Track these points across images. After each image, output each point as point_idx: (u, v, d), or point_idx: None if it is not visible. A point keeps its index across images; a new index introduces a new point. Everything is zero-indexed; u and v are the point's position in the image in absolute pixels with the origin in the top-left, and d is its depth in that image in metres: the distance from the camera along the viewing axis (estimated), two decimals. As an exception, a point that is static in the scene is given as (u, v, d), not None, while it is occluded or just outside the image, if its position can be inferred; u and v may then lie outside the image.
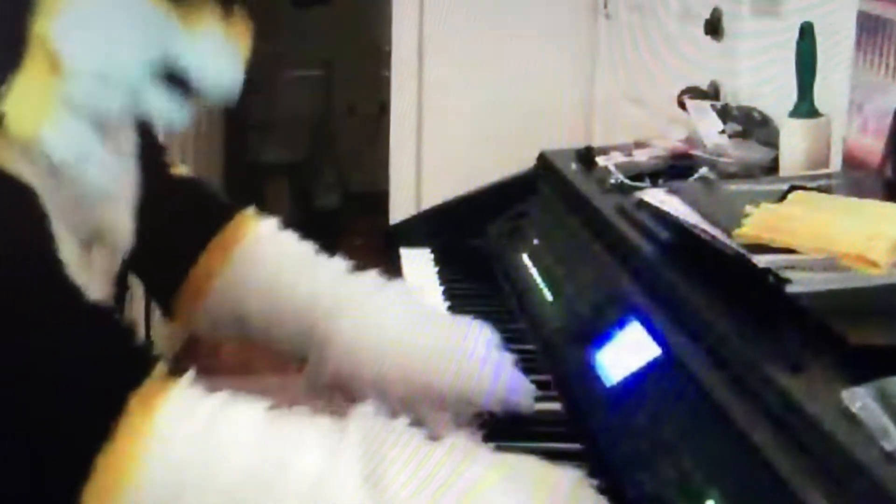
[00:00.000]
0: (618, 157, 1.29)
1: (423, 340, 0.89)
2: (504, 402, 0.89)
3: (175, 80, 0.75)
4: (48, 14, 0.69)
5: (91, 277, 0.76)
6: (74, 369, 0.69)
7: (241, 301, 0.93)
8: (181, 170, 0.98)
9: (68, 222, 0.73)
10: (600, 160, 1.30)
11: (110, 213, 0.79)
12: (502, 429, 0.90)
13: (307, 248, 0.96)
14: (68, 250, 0.72)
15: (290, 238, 0.96)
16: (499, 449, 0.78)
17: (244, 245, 0.94)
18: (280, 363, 1.04)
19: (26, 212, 0.70)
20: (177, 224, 0.91)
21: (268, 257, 0.94)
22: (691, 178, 1.20)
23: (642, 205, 1.04)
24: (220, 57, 0.75)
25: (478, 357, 0.89)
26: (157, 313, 1.07)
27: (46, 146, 0.70)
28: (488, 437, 0.90)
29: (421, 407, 0.88)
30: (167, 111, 0.75)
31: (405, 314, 0.91)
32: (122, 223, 0.81)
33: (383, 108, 2.83)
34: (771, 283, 0.78)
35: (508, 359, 0.91)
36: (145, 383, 0.69)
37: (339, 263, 0.95)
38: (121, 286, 0.86)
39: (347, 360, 0.90)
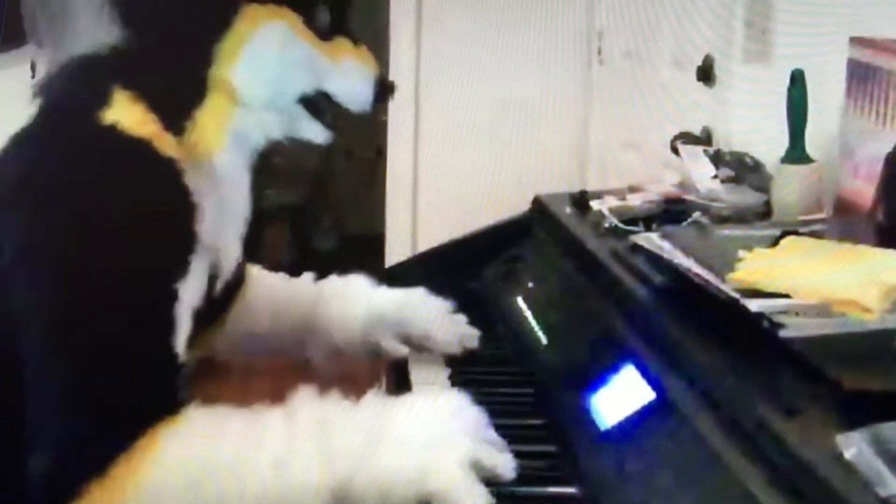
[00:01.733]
0: (612, 202, 1.30)
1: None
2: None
3: (318, 103, 0.96)
4: (228, 62, 0.89)
5: (189, 292, 0.89)
6: (129, 383, 0.83)
7: (251, 320, 1.13)
8: None
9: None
10: (594, 204, 1.30)
11: (224, 234, 0.95)
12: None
13: (285, 277, 1.21)
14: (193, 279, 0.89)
15: (271, 273, 1.20)
16: (494, 494, 0.81)
17: (248, 283, 1.15)
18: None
19: (183, 236, 0.88)
20: None
21: (266, 283, 1.18)
22: (685, 223, 1.20)
23: (636, 249, 1.04)
24: (359, 79, 0.97)
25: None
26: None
27: (219, 166, 0.91)
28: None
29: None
30: (315, 132, 0.96)
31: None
32: (233, 246, 0.98)
33: (380, 153, 2.85)
34: (765, 327, 0.78)
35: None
36: (169, 420, 0.83)
37: (311, 277, 1.20)
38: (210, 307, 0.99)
39: (339, 326, 1.15)
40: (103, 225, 0.84)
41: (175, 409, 0.84)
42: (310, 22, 0.93)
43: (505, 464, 0.86)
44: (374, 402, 0.89)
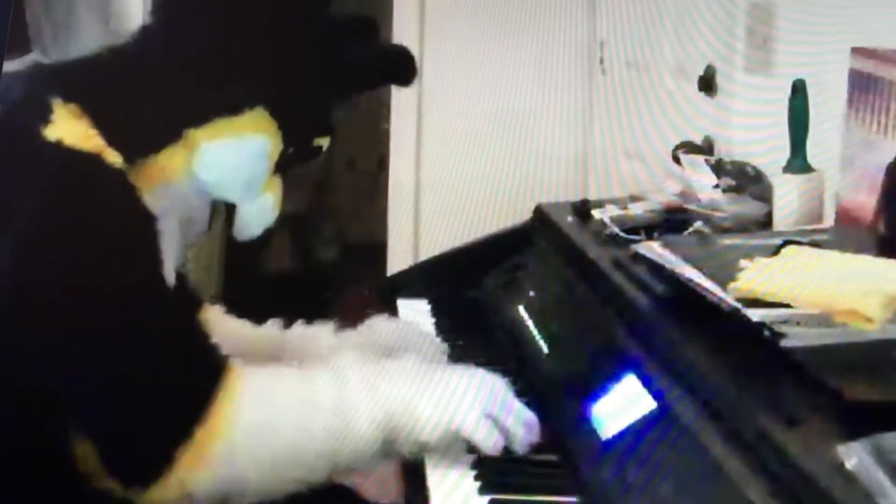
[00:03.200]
0: (613, 211, 1.30)
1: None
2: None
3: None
4: (203, 132, 0.93)
5: None
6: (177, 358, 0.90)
7: None
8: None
9: None
10: (596, 213, 1.30)
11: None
12: (498, 481, 0.90)
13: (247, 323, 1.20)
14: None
15: (235, 319, 1.20)
16: (495, 501, 0.83)
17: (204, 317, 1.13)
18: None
19: (149, 235, 0.92)
20: None
21: (227, 326, 1.16)
22: (686, 232, 1.20)
23: (637, 258, 1.04)
24: (265, 214, 1.00)
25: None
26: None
27: (174, 191, 0.94)
28: (483, 489, 0.90)
29: None
30: (248, 217, 0.99)
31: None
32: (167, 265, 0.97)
33: (382, 162, 2.85)
34: (766, 337, 0.78)
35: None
36: (227, 371, 0.91)
37: (278, 324, 1.18)
38: None
39: None
40: (66, 239, 0.87)
41: (225, 370, 0.90)
42: (291, 141, 0.97)
43: (519, 434, 0.92)
44: (414, 359, 0.97)
